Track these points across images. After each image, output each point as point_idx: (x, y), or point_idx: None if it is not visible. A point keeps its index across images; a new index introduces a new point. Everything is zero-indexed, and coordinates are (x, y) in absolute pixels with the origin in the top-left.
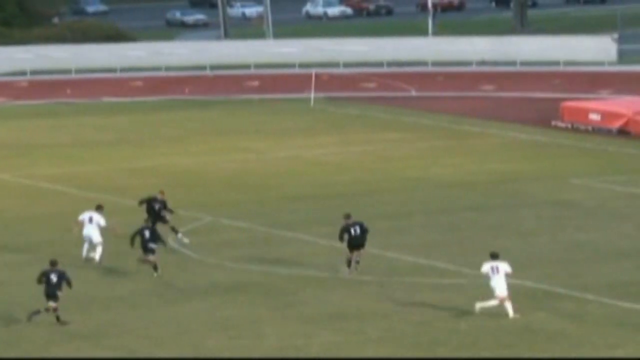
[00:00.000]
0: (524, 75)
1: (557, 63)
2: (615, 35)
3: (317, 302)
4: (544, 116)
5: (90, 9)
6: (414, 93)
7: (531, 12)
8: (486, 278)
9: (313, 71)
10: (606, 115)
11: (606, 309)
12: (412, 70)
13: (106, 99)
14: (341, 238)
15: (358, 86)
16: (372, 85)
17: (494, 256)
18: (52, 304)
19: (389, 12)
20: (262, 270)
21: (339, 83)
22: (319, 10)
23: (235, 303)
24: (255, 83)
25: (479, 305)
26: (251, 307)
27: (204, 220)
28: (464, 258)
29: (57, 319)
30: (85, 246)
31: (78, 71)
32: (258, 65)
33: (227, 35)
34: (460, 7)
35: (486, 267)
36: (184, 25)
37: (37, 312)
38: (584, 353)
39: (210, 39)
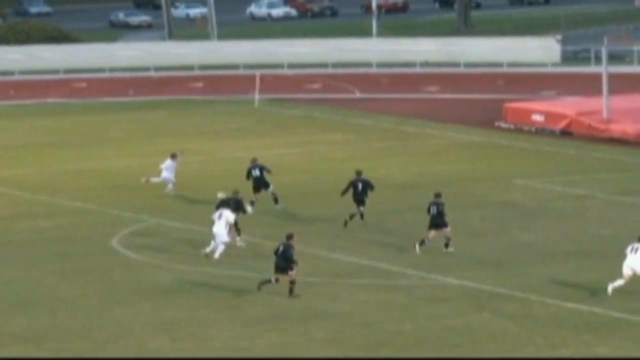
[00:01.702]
0: (468, 77)
1: (500, 64)
2: (559, 37)
3: (261, 303)
4: (487, 117)
5: (34, 10)
6: (358, 94)
7: (475, 14)
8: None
9: (257, 72)
10: (549, 116)
11: (549, 309)
12: (357, 71)
13: (51, 100)
14: (428, 211)
15: (302, 87)
16: (316, 86)
17: None
18: (279, 275)
19: (334, 13)
20: (206, 271)
21: (284, 84)
22: (263, 11)
23: (179, 305)
24: (200, 84)
25: (610, 286)
26: (195, 308)
27: (148, 222)
28: (408, 259)
29: (290, 291)
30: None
31: (22, 72)
32: (202, 67)
33: (171, 37)
34: (404, 9)
35: (627, 249)
36: (128, 26)
37: (269, 281)
38: (527, 353)
39: (154, 40)
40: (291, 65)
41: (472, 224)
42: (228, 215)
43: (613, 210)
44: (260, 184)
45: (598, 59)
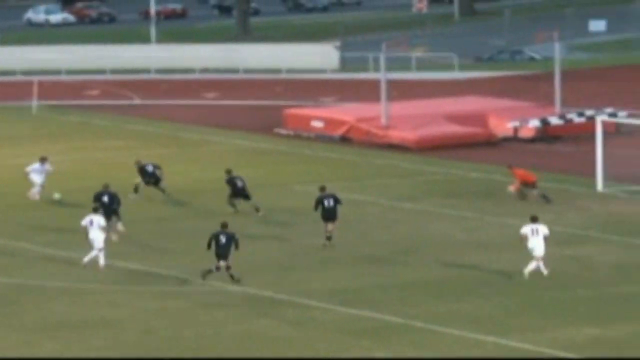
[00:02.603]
0: (247, 83)
1: (279, 70)
2: (338, 43)
3: (39, 311)
4: (267, 124)
5: None
6: (137, 101)
7: (254, 20)
8: (524, 240)
9: (35, 78)
10: (329, 123)
11: (330, 315)
12: (135, 77)
13: None
14: (315, 208)
15: (81, 94)
16: (95, 92)
17: (534, 219)
18: (222, 263)
19: (112, 19)
20: None
21: (62, 90)
22: (40, 17)
23: None
24: None
25: (526, 271)
26: None
27: None
28: (190, 265)
29: (231, 277)
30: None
31: None
32: None
33: None
34: (183, 15)
35: (526, 229)
36: None
37: (210, 271)
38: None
39: None
40: (69, 72)
41: (252, 230)
42: (99, 220)
43: (392, 216)
44: (155, 179)
45: (377, 66)
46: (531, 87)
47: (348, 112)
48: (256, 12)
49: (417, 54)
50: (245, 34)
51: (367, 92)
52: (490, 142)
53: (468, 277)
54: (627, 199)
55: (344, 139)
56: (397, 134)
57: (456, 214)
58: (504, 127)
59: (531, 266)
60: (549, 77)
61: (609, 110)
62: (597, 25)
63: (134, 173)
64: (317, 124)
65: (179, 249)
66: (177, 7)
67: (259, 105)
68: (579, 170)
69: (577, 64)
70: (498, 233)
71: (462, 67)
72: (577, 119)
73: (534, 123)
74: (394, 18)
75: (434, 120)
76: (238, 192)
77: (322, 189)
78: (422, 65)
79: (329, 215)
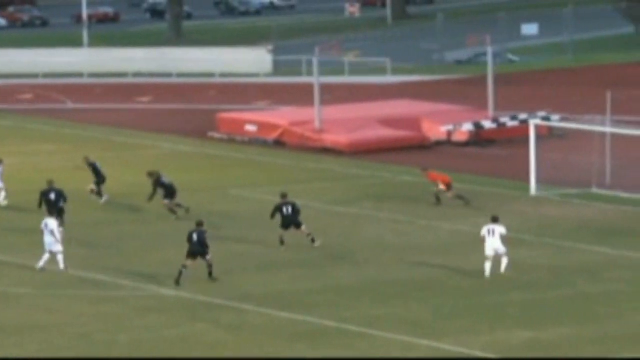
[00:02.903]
0: (181, 87)
1: (213, 74)
2: (270, 47)
3: None
4: (200, 128)
5: None
6: (70, 105)
7: (187, 24)
8: (483, 241)
9: None
10: (262, 127)
11: (264, 318)
12: (68, 81)
13: None
14: (272, 216)
15: (13, 98)
16: (27, 97)
17: (495, 220)
18: (189, 262)
19: (44, 23)
20: None
21: None
22: None
23: None
24: None
25: (487, 272)
26: None
27: None
28: (123, 270)
29: (209, 269)
30: None
31: None
32: None
33: None
34: (115, 19)
35: (484, 231)
36: None
37: (180, 273)
38: None
39: None
40: (1, 76)
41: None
42: (51, 223)
43: (326, 220)
44: (103, 179)
45: (310, 70)
46: (464, 91)
47: (281, 116)
48: (189, 16)
49: (349, 58)
50: (178, 37)
51: (300, 96)
52: (424, 146)
53: (402, 281)
54: (560, 202)
55: (278, 143)
56: (331, 138)
57: (390, 217)
58: (438, 131)
59: (503, 264)
60: (482, 81)
61: (542, 114)
62: (530, 29)
63: (71, 177)
64: (251, 128)
65: (114, 253)
66: (110, 11)
67: (192, 109)
68: (512, 173)
69: (510, 68)
70: (432, 236)
71: (395, 71)
72: (511, 123)
73: (468, 127)
74: (327, 22)
75: (368, 124)
76: (168, 189)
77: (284, 196)
78: (355, 69)
79: (288, 222)
